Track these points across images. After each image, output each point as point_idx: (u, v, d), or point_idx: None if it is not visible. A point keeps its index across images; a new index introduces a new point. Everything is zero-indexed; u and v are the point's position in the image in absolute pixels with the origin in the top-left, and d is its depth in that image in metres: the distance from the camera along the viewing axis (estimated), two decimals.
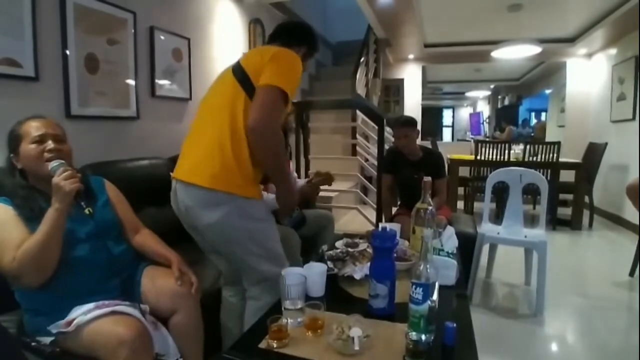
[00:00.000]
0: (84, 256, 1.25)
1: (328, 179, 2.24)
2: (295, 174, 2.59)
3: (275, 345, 1.00)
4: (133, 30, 2.40)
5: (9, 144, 1.29)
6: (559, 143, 4.26)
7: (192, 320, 1.36)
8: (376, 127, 3.13)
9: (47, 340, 1.15)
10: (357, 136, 4.27)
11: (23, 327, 1.23)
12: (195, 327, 1.37)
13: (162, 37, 2.67)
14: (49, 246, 1.14)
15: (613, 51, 5.03)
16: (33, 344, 1.11)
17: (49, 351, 1.09)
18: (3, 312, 1.29)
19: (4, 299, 1.32)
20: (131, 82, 2.42)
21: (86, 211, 1.23)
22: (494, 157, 4.44)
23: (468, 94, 11.94)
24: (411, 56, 6.48)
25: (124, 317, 1.13)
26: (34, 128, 1.27)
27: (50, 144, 1.25)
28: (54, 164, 1.21)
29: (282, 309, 1.14)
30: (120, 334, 1.06)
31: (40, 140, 1.25)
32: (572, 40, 5.30)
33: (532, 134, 8.49)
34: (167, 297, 1.33)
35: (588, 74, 5.76)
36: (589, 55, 5.73)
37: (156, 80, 2.63)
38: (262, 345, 1.02)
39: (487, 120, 11.03)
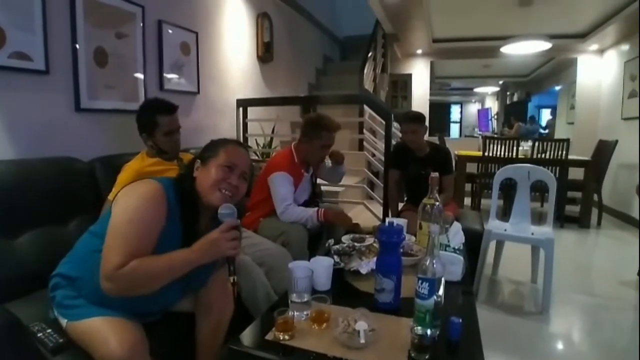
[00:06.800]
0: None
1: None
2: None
3: (281, 337, 1.02)
4: (141, 24, 2.40)
5: (205, 149, 1.23)
6: (568, 140, 4.21)
7: (226, 316, 1.36)
8: (383, 123, 3.10)
9: (62, 321, 1.12)
10: (364, 131, 4.24)
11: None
12: (224, 324, 1.36)
13: (170, 31, 2.68)
14: (158, 281, 1.06)
15: (625, 47, 4.94)
16: (39, 334, 1.10)
17: (52, 345, 1.07)
18: (16, 298, 1.31)
19: (17, 284, 1.36)
20: (140, 75, 2.43)
21: (231, 279, 1.15)
22: (502, 153, 4.41)
23: (476, 90, 11.83)
24: (419, 51, 6.43)
25: (127, 324, 1.08)
26: (232, 155, 1.19)
27: (234, 179, 1.18)
28: (225, 210, 1.12)
29: (289, 301, 1.15)
30: (113, 350, 0.99)
31: (229, 168, 1.18)
32: (583, 35, 5.22)
33: (547, 131, 8.46)
34: (201, 298, 1.30)
35: (599, 71, 5.67)
36: (601, 52, 5.64)
37: (164, 74, 2.64)
38: (269, 337, 1.03)
39: (496, 117, 10.93)
